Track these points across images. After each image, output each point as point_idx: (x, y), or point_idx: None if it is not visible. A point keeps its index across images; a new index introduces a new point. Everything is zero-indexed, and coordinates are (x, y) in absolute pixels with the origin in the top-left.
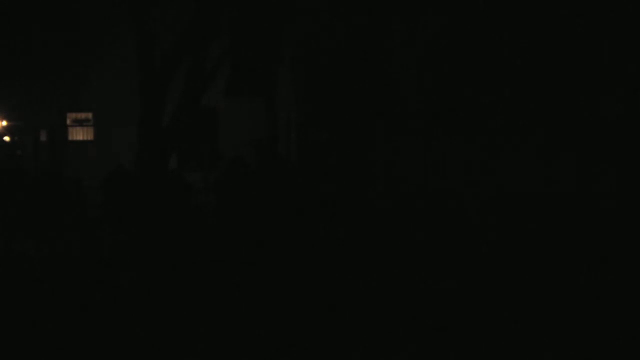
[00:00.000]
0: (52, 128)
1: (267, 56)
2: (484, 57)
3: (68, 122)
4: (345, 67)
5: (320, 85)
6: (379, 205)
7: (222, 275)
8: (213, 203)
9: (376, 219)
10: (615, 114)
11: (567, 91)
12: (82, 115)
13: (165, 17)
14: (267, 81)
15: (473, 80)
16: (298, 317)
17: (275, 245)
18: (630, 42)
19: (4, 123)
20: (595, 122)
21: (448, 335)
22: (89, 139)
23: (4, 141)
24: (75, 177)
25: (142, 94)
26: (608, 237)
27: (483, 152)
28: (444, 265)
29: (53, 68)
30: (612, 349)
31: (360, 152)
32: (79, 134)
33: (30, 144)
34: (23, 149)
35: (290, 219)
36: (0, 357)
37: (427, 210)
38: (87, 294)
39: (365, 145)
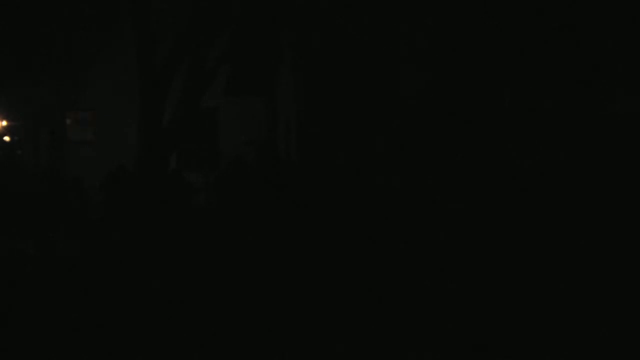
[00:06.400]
0: (52, 128)
1: (268, 55)
2: (486, 57)
3: (68, 122)
4: (346, 67)
5: (322, 84)
6: (379, 206)
7: (222, 275)
8: (213, 203)
9: (376, 219)
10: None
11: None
12: (82, 115)
13: (166, 17)
14: (268, 81)
15: (474, 80)
16: (296, 316)
17: (276, 245)
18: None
19: (4, 123)
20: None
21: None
22: (89, 139)
23: (4, 141)
24: (75, 176)
25: (142, 93)
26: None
27: (486, 153)
28: (440, 268)
29: (53, 68)
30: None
31: (362, 152)
32: (79, 134)
33: (30, 144)
34: (23, 149)
35: (290, 218)
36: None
37: (427, 212)
38: (85, 293)
39: (366, 145)
